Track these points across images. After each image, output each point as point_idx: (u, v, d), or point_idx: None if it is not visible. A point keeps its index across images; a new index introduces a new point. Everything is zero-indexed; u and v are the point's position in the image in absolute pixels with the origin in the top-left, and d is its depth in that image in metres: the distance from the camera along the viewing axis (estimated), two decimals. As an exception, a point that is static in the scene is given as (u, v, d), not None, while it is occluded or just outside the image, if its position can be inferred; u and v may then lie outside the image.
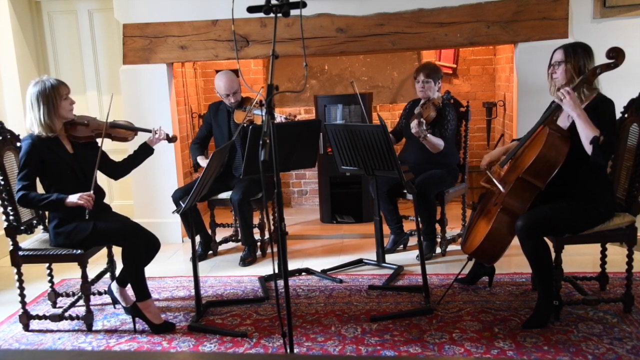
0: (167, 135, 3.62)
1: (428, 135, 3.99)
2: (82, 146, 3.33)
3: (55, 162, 3.19)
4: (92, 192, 3.14)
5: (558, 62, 3.06)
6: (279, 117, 4.21)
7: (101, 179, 3.54)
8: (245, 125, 4.27)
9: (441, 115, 4.14)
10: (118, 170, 3.53)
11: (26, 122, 3.22)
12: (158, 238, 3.31)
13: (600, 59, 3.05)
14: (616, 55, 3.00)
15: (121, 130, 3.50)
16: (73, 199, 3.09)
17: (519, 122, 4.45)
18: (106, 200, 3.50)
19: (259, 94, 4.20)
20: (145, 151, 3.57)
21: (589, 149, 2.84)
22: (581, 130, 2.88)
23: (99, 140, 3.35)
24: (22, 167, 3.14)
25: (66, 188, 3.18)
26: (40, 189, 3.28)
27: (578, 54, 3.01)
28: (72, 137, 3.31)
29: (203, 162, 4.33)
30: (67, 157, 3.24)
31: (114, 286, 3.35)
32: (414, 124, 3.97)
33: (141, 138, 3.64)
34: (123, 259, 3.20)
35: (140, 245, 3.19)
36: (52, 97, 3.16)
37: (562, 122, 3.11)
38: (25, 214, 3.38)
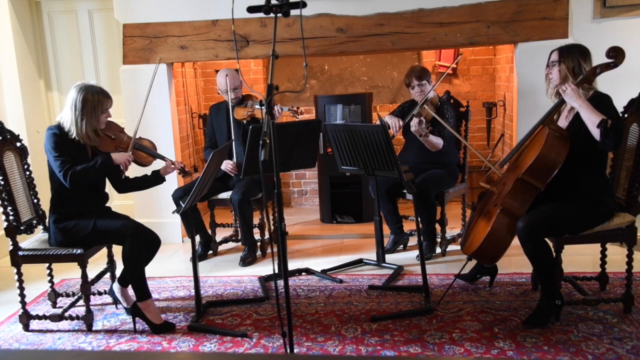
0: (183, 168, 3.61)
1: (431, 137, 4.00)
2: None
3: (74, 161, 3.19)
4: (130, 153, 3.35)
5: (553, 62, 3.08)
6: (283, 109, 4.21)
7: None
8: (245, 122, 4.29)
9: (440, 114, 4.14)
10: (125, 185, 3.52)
11: (62, 118, 3.21)
12: (158, 236, 3.31)
13: (600, 58, 3.05)
14: (616, 55, 3.00)
15: (143, 155, 3.50)
16: (117, 157, 3.29)
17: (519, 122, 4.45)
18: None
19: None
20: (156, 179, 3.55)
21: (596, 133, 2.83)
22: (586, 117, 2.88)
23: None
24: (56, 154, 3.14)
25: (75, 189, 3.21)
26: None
27: (572, 54, 3.03)
28: (94, 147, 3.31)
29: (224, 165, 4.31)
30: (84, 162, 3.24)
31: (116, 286, 3.35)
32: (413, 122, 3.96)
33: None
34: (123, 258, 3.20)
35: (141, 243, 3.19)
36: (96, 109, 3.18)
37: (561, 122, 3.11)
38: (25, 214, 3.38)
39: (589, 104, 2.89)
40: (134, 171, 3.65)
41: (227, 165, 4.28)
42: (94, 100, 3.17)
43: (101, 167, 3.20)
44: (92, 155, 3.32)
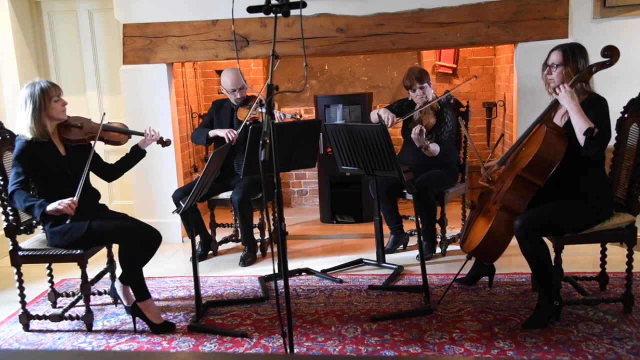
0: (161, 138, 3.59)
1: (430, 145, 3.99)
2: (74, 149, 3.34)
3: (47, 164, 3.19)
4: (75, 198, 3.10)
5: (556, 64, 3.05)
6: (286, 115, 4.21)
7: (99, 180, 3.53)
8: (248, 123, 4.28)
9: (440, 118, 4.13)
10: (111, 172, 3.51)
11: (17, 125, 3.21)
12: (159, 231, 3.30)
13: (599, 59, 3.04)
14: (611, 54, 3.00)
15: (114, 134, 3.49)
16: (53, 205, 3.05)
17: (519, 122, 4.45)
18: (106, 201, 3.50)
19: (260, 94, 4.22)
20: (137, 154, 3.55)
21: (582, 140, 2.87)
22: (575, 122, 2.91)
23: (92, 142, 3.35)
24: (16, 165, 3.14)
25: (57, 190, 3.20)
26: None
27: (577, 57, 3.01)
28: (64, 139, 3.31)
29: (221, 131, 4.29)
30: (59, 160, 3.24)
31: (117, 284, 3.35)
32: (415, 131, 3.94)
33: (135, 140, 3.63)
34: (119, 259, 3.20)
35: (136, 243, 3.18)
36: (41, 100, 3.16)
37: (557, 120, 3.12)
38: (25, 214, 3.37)
39: (580, 108, 2.91)
40: (113, 154, 3.61)
41: (229, 133, 4.24)
42: (38, 91, 3.15)
43: (30, 209, 3.06)
44: (66, 152, 3.30)
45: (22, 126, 3.18)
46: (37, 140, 3.17)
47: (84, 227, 3.18)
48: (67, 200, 3.06)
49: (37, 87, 3.17)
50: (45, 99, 3.17)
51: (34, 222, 3.44)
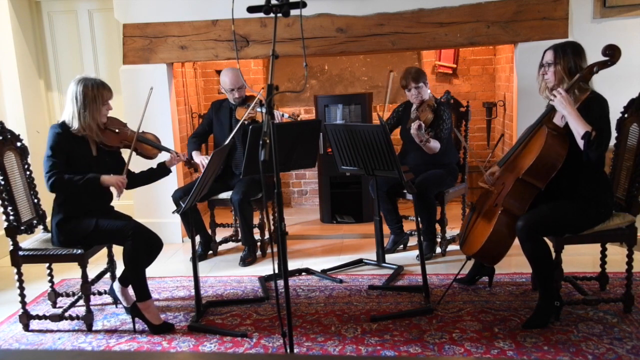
0: (188, 159, 3.64)
1: (430, 141, 3.99)
2: (105, 152, 3.35)
3: (78, 160, 3.21)
4: (124, 176, 3.27)
5: (548, 63, 3.06)
6: (284, 115, 4.21)
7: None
8: (246, 122, 4.28)
9: (437, 116, 4.14)
10: (132, 180, 3.50)
11: (64, 115, 3.22)
12: (161, 238, 3.31)
13: (598, 58, 3.04)
14: (612, 53, 2.99)
15: (148, 147, 3.51)
16: (110, 179, 3.20)
17: (519, 122, 4.45)
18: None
19: (259, 94, 4.21)
20: (162, 171, 3.55)
21: (581, 144, 2.86)
22: (573, 127, 2.90)
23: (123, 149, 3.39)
24: (51, 154, 3.14)
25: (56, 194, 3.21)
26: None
27: (568, 54, 3.00)
28: (101, 144, 3.31)
29: (197, 157, 4.33)
30: (89, 159, 3.26)
31: (116, 285, 3.35)
32: (414, 127, 3.95)
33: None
34: (124, 258, 3.20)
35: (141, 245, 3.19)
36: (96, 99, 3.19)
37: (557, 121, 3.11)
38: (25, 214, 3.38)
39: (577, 112, 2.90)
40: (140, 165, 3.64)
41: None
42: (93, 91, 3.18)
43: (86, 183, 3.15)
44: (97, 152, 3.32)
45: (70, 117, 3.19)
46: (74, 133, 3.19)
47: (91, 225, 3.19)
48: (121, 179, 3.23)
49: (94, 88, 3.18)
50: (98, 101, 3.20)
51: (35, 221, 3.44)
